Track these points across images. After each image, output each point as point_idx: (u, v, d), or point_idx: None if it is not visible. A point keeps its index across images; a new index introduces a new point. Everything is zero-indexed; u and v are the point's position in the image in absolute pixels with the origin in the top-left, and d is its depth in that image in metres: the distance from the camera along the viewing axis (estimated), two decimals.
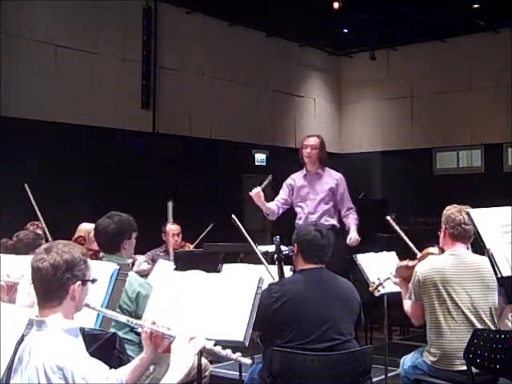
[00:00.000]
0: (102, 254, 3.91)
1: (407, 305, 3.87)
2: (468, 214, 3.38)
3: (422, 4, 9.99)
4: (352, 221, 5.78)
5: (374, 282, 4.42)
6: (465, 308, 3.59)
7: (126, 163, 9.29)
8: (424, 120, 12.45)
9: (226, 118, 11.11)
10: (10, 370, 2.22)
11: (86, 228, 5.69)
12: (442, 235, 3.85)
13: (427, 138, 12.37)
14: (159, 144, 9.97)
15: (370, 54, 12.68)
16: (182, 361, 2.29)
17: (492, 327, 3.58)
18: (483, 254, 3.32)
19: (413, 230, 9.70)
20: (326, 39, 12.79)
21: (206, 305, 2.83)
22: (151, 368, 3.27)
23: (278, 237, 3.75)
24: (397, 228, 4.71)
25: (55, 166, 8.34)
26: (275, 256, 3.68)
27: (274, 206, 5.92)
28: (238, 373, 4.77)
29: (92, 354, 2.28)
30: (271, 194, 6.28)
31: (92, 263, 2.40)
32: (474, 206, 3.53)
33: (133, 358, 2.90)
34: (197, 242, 6.46)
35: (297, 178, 6.03)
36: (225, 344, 2.45)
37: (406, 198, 11.71)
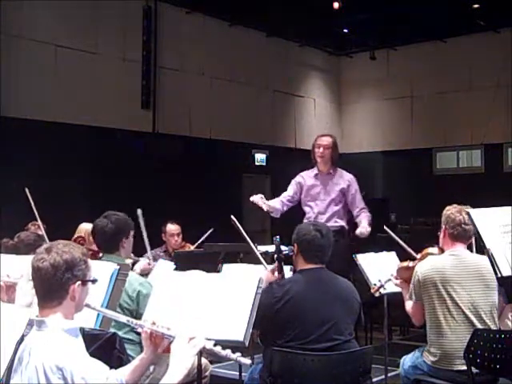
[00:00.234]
0: (101, 254, 3.91)
1: (409, 305, 3.87)
2: (468, 214, 3.38)
3: (421, 4, 9.99)
4: (364, 217, 5.69)
5: (375, 284, 4.42)
6: (465, 308, 3.59)
7: (126, 163, 9.29)
8: (424, 120, 12.45)
9: (226, 118, 11.11)
10: (10, 370, 2.22)
11: (86, 228, 5.69)
12: (441, 235, 3.86)
13: (427, 138, 12.37)
14: (159, 144, 9.98)
15: (370, 54, 12.68)
16: (181, 361, 2.29)
17: (492, 327, 3.59)
18: (484, 254, 3.32)
19: (413, 229, 9.76)
20: (326, 39, 12.79)
21: (206, 305, 2.83)
22: (151, 368, 3.27)
23: (277, 237, 3.75)
24: (394, 236, 4.73)
25: (55, 165, 8.34)
26: (275, 256, 3.68)
27: (279, 204, 5.84)
28: (237, 373, 4.77)
29: (92, 354, 2.28)
30: (270, 194, 6.28)
31: (92, 263, 2.40)
32: (474, 206, 3.53)
33: (133, 357, 2.91)
34: (196, 245, 6.45)
35: (307, 177, 5.94)
36: (225, 344, 2.45)
37: (406, 197, 11.72)
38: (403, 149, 12.62)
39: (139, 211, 4.81)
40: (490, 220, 3.25)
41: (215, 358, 4.08)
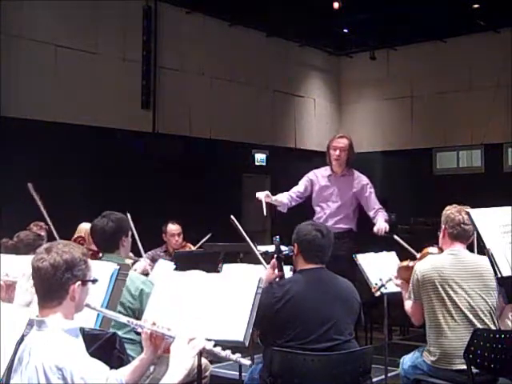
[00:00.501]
0: (101, 255, 3.92)
1: (408, 305, 3.87)
2: (468, 214, 3.38)
3: (421, 4, 9.98)
4: (381, 216, 5.62)
5: (376, 284, 4.43)
6: (464, 307, 3.59)
7: (126, 163, 9.28)
8: (424, 120, 12.44)
9: (226, 118, 11.10)
10: (9, 369, 2.22)
11: (86, 228, 5.68)
12: (441, 235, 3.86)
13: (427, 138, 12.36)
14: (159, 144, 9.97)
15: (370, 54, 12.67)
16: (181, 362, 2.29)
17: (492, 327, 3.59)
18: (484, 254, 3.32)
19: (413, 229, 9.76)
20: (326, 39, 12.78)
21: (206, 305, 2.83)
22: (151, 368, 3.27)
23: (277, 237, 3.75)
24: (404, 244, 4.73)
25: (55, 165, 8.34)
26: (275, 256, 3.68)
27: (286, 199, 5.78)
28: (237, 373, 4.78)
29: (92, 354, 2.28)
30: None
31: (92, 263, 2.40)
32: (473, 206, 3.53)
33: (133, 357, 2.91)
34: (195, 248, 6.44)
35: (320, 176, 5.88)
36: (225, 344, 2.45)
37: (406, 198, 11.71)
38: (403, 149, 12.61)
39: (128, 215, 4.80)
40: (490, 220, 3.25)
41: (215, 358, 4.09)
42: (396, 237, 4.83)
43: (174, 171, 9.88)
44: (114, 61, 9.60)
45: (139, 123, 9.86)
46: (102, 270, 2.94)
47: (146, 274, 4.68)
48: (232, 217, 4.44)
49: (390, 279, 4.21)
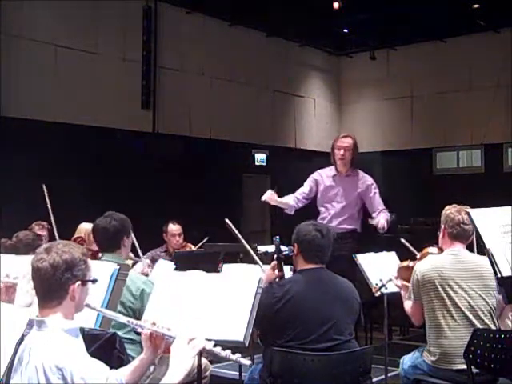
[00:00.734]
0: (100, 255, 3.93)
1: (408, 305, 3.87)
2: (468, 214, 3.38)
3: (421, 4, 9.98)
4: (383, 215, 5.60)
5: (376, 284, 4.42)
6: (464, 307, 3.59)
7: (126, 163, 9.28)
8: (424, 120, 12.44)
9: (226, 118, 11.10)
10: (9, 369, 2.22)
11: (86, 228, 5.69)
12: (441, 235, 3.86)
13: (427, 138, 12.36)
14: (159, 144, 9.97)
15: (370, 54, 12.67)
16: (181, 362, 2.29)
17: (492, 327, 3.59)
18: (485, 254, 3.32)
19: (413, 229, 9.75)
20: (326, 39, 12.78)
21: (206, 305, 2.83)
22: (151, 368, 3.27)
23: (277, 237, 3.75)
24: (410, 247, 4.73)
25: (55, 165, 8.33)
26: (275, 256, 3.68)
27: (293, 201, 5.76)
28: (237, 373, 4.78)
29: (92, 354, 2.28)
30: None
31: (92, 263, 2.40)
32: (473, 206, 3.53)
33: (133, 357, 2.91)
34: (196, 247, 6.44)
35: (325, 176, 5.86)
36: (225, 344, 2.45)
37: (405, 198, 11.71)
38: (403, 149, 12.61)
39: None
40: (490, 220, 3.25)
41: (215, 358, 4.09)
42: (403, 240, 4.82)
43: (174, 171, 9.88)
44: (113, 61, 9.60)
45: (139, 123, 9.86)
46: (101, 270, 2.94)
47: (146, 276, 4.68)
48: (227, 220, 4.41)
49: (390, 279, 4.21)
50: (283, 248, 3.74)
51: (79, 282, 2.29)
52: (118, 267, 3.05)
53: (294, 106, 12.75)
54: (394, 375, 4.90)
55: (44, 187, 5.49)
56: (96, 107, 9.22)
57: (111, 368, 2.33)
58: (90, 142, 9.03)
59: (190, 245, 6.50)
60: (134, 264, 4.96)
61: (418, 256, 4.12)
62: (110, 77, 9.47)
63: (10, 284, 3.22)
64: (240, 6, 10.38)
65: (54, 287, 2.25)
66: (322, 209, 5.84)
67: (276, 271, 3.62)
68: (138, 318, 2.87)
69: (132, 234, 4.89)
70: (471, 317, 3.58)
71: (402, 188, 12.05)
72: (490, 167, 11.87)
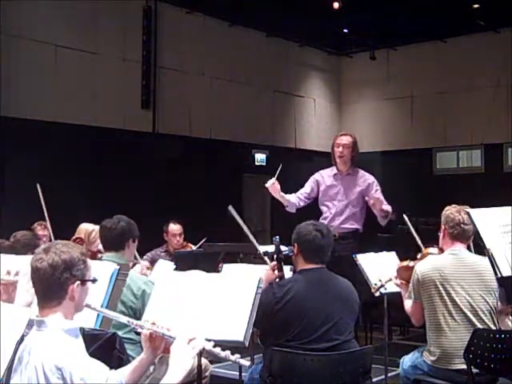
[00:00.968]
0: (100, 255, 3.93)
1: (408, 305, 3.87)
2: (468, 213, 3.38)
3: (422, 4, 9.98)
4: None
5: (376, 284, 4.42)
6: (464, 307, 3.59)
7: (126, 163, 9.28)
8: (424, 120, 12.44)
9: (226, 118, 11.10)
10: (9, 369, 2.22)
11: (86, 228, 5.68)
12: (441, 235, 3.86)
13: (427, 138, 12.36)
14: (159, 144, 9.97)
15: (370, 54, 12.67)
16: (180, 362, 2.29)
17: (492, 327, 3.59)
18: (484, 254, 3.32)
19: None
20: (326, 39, 12.78)
21: (206, 305, 2.83)
22: (151, 368, 3.27)
23: (277, 237, 3.75)
24: (410, 226, 4.74)
25: (55, 165, 8.33)
26: (275, 256, 3.68)
27: (295, 199, 5.76)
28: (237, 373, 4.78)
29: (92, 354, 2.27)
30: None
31: (92, 263, 2.39)
32: (473, 206, 3.52)
33: (133, 357, 2.91)
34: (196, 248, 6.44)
35: (326, 176, 5.87)
36: (225, 344, 2.45)
37: (405, 198, 11.70)
38: (403, 149, 12.61)
39: None
40: (490, 220, 3.24)
41: (215, 358, 4.09)
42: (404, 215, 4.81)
43: (174, 171, 9.88)
44: (113, 61, 9.60)
45: (139, 123, 9.86)
46: (101, 270, 2.94)
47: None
48: (230, 207, 4.39)
49: (390, 279, 4.21)
50: (283, 248, 3.74)
51: (78, 282, 2.28)
52: (118, 267, 3.05)
53: (293, 106, 12.75)
54: (394, 375, 4.90)
55: (38, 186, 5.46)
56: (96, 107, 9.22)
57: (111, 368, 2.33)
58: (90, 142, 9.03)
59: (190, 245, 6.49)
60: (132, 266, 4.95)
61: (419, 256, 4.12)
62: (109, 77, 9.47)
63: (11, 282, 3.22)
64: (240, 6, 10.38)
65: (53, 287, 2.25)
66: (323, 208, 5.84)
67: (275, 271, 3.61)
68: (139, 318, 2.87)
69: None
70: (471, 317, 3.58)
71: (402, 188, 12.05)
72: (490, 167, 11.86)
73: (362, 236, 5.78)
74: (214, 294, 2.87)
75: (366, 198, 5.59)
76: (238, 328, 2.74)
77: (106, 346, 2.90)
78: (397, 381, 4.34)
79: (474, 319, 3.57)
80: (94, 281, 2.37)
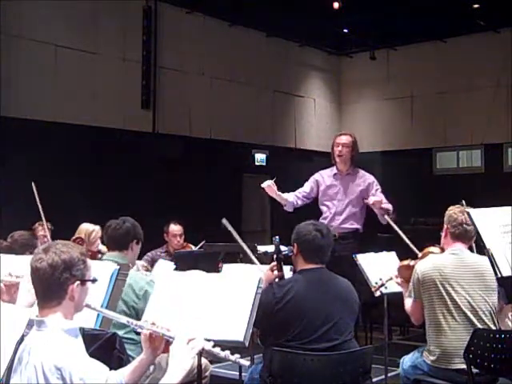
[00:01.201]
0: (100, 255, 3.93)
1: (408, 304, 3.87)
2: (468, 213, 3.38)
3: (421, 4, 9.98)
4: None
5: (376, 283, 4.42)
6: (464, 307, 3.59)
7: (126, 163, 9.29)
8: (424, 120, 12.44)
9: (226, 118, 11.10)
10: (9, 369, 2.21)
11: (86, 228, 5.70)
12: (443, 235, 3.86)
13: (427, 138, 12.36)
14: (159, 144, 9.97)
15: (370, 54, 12.67)
16: (180, 362, 2.29)
17: (492, 327, 3.58)
18: (484, 254, 3.32)
19: (413, 229, 9.74)
20: (326, 39, 12.78)
21: (206, 305, 2.83)
22: (151, 368, 3.27)
23: (277, 237, 3.74)
24: (396, 228, 4.72)
25: (55, 165, 8.34)
26: (275, 256, 3.68)
27: (292, 197, 5.75)
28: (238, 373, 4.78)
29: (92, 354, 2.27)
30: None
31: (92, 263, 2.39)
32: (474, 206, 3.52)
33: (133, 357, 2.91)
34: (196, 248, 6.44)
35: (326, 176, 5.86)
36: (225, 344, 2.45)
37: (405, 198, 11.70)
38: (403, 149, 12.61)
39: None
40: (490, 220, 3.24)
41: (215, 358, 4.09)
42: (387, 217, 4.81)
43: (174, 171, 9.88)
44: (113, 61, 9.60)
45: (139, 123, 9.87)
46: (101, 270, 2.94)
47: None
48: (223, 220, 4.41)
49: (391, 278, 4.21)
50: (283, 248, 3.74)
51: (78, 282, 2.28)
52: (118, 267, 3.05)
53: (294, 106, 12.75)
54: (394, 375, 4.90)
55: (33, 185, 5.42)
56: (96, 107, 9.22)
57: (111, 368, 2.33)
58: (90, 142, 9.03)
59: (190, 245, 6.49)
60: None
61: (420, 255, 4.11)
62: (109, 77, 9.47)
63: (13, 283, 3.22)
64: (240, 6, 10.38)
65: (52, 287, 2.24)
66: (323, 208, 5.84)
67: (275, 271, 3.61)
68: (141, 319, 2.87)
69: None
70: (471, 316, 3.58)
71: (402, 188, 12.05)
72: (490, 167, 11.86)
73: (361, 236, 5.77)
74: (214, 294, 2.86)
75: (365, 201, 5.58)
76: (237, 328, 2.74)
77: (106, 346, 2.90)
78: (397, 381, 4.34)
79: (473, 319, 3.57)
80: (93, 281, 2.36)
